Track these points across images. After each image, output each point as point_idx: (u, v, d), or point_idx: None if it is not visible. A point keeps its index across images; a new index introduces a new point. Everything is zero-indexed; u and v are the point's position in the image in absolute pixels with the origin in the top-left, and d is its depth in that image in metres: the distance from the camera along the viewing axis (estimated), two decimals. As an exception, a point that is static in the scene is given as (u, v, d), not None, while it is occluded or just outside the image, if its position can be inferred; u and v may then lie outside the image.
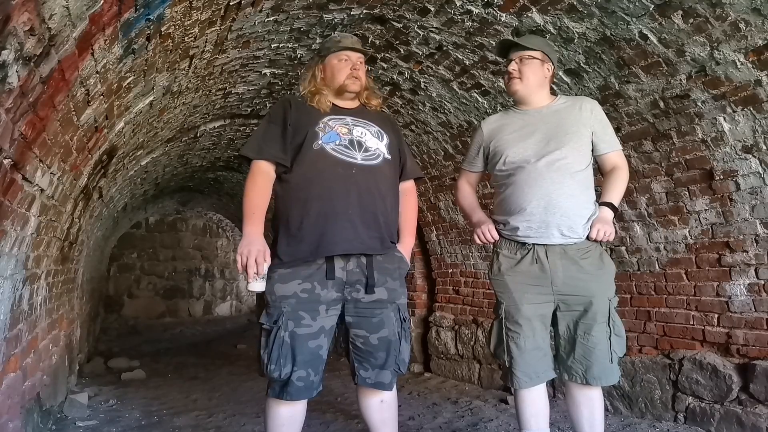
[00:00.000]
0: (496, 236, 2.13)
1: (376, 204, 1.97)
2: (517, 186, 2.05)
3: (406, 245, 2.13)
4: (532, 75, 2.08)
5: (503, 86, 3.19)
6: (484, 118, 2.32)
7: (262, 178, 1.94)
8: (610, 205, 2.05)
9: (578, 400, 2.02)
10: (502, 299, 2.08)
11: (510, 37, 2.09)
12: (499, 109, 3.42)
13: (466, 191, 2.34)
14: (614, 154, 2.11)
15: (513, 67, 2.10)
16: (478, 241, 2.17)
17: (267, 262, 1.84)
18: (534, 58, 2.07)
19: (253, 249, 1.81)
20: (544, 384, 2.05)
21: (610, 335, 1.96)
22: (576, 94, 2.89)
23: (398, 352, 1.96)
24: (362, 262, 1.93)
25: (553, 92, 2.24)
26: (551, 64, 2.12)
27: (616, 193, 2.07)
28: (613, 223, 2.08)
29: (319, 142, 1.95)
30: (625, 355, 3.15)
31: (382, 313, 1.95)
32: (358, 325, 1.94)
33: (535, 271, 2.00)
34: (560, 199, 1.98)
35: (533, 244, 2.02)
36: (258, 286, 1.83)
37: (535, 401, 2.03)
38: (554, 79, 2.87)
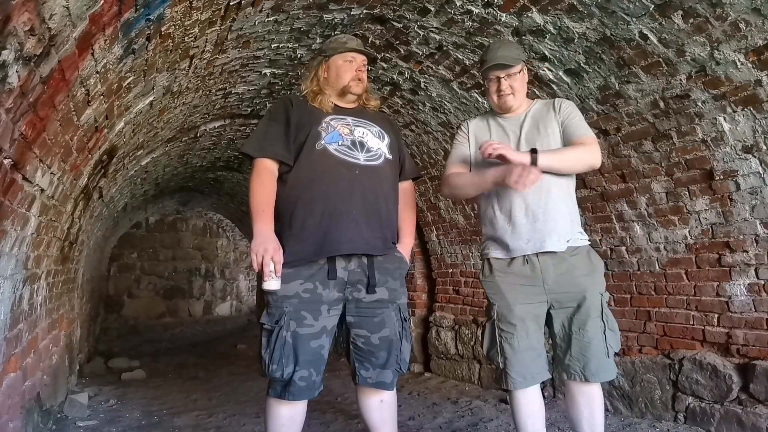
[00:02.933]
0: (536, 176, 1.88)
1: (378, 204, 1.98)
2: (502, 196, 2.05)
3: (406, 245, 2.13)
4: (521, 87, 2.12)
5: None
6: (461, 125, 2.30)
7: (267, 175, 1.94)
8: (534, 151, 1.93)
9: (578, 400, 2.02)
10: (494, 300, 2.08)
11: (501, 62, 2.06)
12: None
13: (459, 175, 2.18)
14: (583, 137, 2.02)
15: (505, 85, 2.07)
16: (521, 188, 1.87)
17: (281, 260, 1.83)
18: (518, 71, 2.09)
19: (269, 247, 1.80)
20: (538, 385, 2.05)
21: (605, 330, 1.97)
22: (576, 94, 2.90)
23: (399, 352, 1.97)
24: (363, 262, 1.93)
25: (529, 96, 2.25)
26: (526, 67, 2.15)
27: (556, 152, 1.97)
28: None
29: (322, 142, 1.95)
30: (625, 355, 3.17)
31: (383, 313, 1.95)
32: (359, 325, 1.94)
33: (527, 272, 2.01)
34: (548, 208, 2.00)
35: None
36: (274, 284, 1.81)
37: (530, 403, 2.02)
38: (554, 78, 2.89)
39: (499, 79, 2.08)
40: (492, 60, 2.07)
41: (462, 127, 2.25)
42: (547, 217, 1.99)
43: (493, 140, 2.09)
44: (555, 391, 3.59)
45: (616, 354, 2.04)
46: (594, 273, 2.02)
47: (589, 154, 2.00)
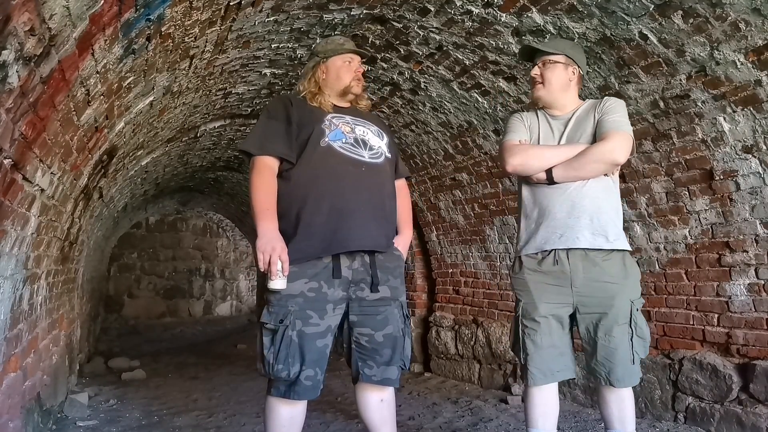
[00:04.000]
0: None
1: (384, 202, 2.00)
2: (543, 193, 2.04)
3: (406, 236, 2.17)
4: (555, 79, 2.05)
5: (503, 86, 3.21)
6: (515, 112, 2.25)
7: (269, 173, 1.93)
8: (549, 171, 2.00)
9: (608, 399, 2.02)
10: (520, 297, 2.07)
11: (533, 43, 2.06)
12: (499, 110, 3.42)
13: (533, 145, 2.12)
14: (607, 132, 1.95)
15: (535, 71, 2.07)
16: None
17: (288, 259, 1.83)
18: (557, 62, 2.04)
19: (277, 246, 1.79)
20: (556, 385, 2.05)
21: (632, 336, 1.94)
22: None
23: (402, 348, 1.98)
24: (366, 261, 1.94)
25: (582, 97, 2.19)
26: (576, 66, 2.07)
27: (572, 161, 1.95)
28: None
29: (326, 139, 1.95)
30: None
31: (386, 310, 1.96)
32: (363, 324, 1.95)
33: (556, 272, 1.99)
34: (584, 201, 1.96)
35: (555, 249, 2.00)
36: (280, 283, 1.80)
37: (545, 401, 2.02)
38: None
39: (535, 66, 2.07)
40: (533, 48, 2.09)
41: (516, 115, 2.19)
42: (581, 212, 1.96)
43: (540, 136, 2.10)
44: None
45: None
46: (626, 279, 1.98)
47: (607, 152, 1.91)
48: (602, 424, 2.14)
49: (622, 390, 1.99)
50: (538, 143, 2.09)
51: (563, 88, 2.06)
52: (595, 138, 1.98)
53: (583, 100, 2.14)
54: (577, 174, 1.96)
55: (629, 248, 2.02)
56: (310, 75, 2.11)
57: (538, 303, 2.01)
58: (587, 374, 2.09)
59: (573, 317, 2.05)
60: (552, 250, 2.00)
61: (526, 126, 2.12)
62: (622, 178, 3.05)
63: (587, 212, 1.96)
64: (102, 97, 2.18)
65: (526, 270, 2.05)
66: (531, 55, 2.14)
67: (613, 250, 1.97)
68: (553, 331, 2.01)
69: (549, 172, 1.98)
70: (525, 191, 2.12)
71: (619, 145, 1.92)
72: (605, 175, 1.99)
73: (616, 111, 1.99)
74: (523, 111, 2.22)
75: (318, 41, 2.30)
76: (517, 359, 2.11)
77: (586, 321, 2.01)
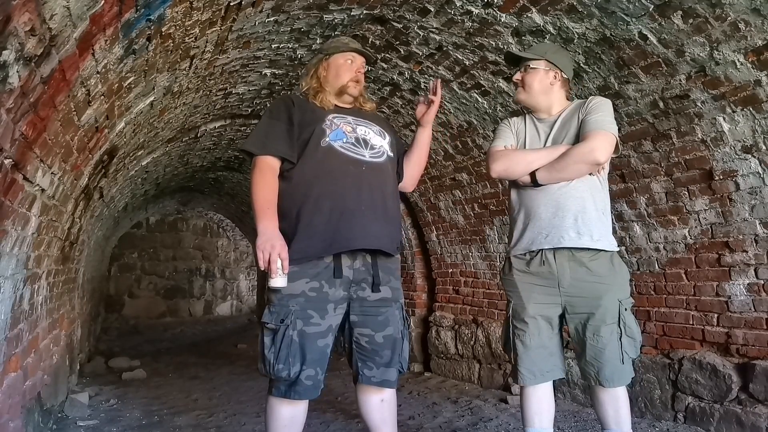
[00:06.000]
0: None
1: (386, 201, 2.00)
2: (528, 195, 2.07)
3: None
4: (536, 83, 2.09)
5: (503, 86, 3.21)
6: (504, 119, 2.30)
7: (270, 173, 1.93)
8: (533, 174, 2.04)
9: (603, 398, 2.02)
10: (510, 298, 2.10)
11: (512, 50, 2.10)
12: (499, 110, 3.42)
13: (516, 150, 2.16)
14: (589, 133, 1.94)
15: (517, 77, 2.13)
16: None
17: (288, 257, 1.83)
18: (536, 67, 2.08)
19: (276, 244, 1.80)
20: (550, 383, 2.07)
21: (621, 336, 1.95)
22: (576, 95, 2.90)
23: (401, 350, 1.99)
24: (368, 261, 1.95)
25: (571, 98, 2.21)
26: (558, 70, 2.09)
27: (554, 163, 1.97)
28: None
29: (327, 139, 1.95)
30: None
31: (387, 312, 1.96)
32: (364, 324, 1.95)
33: (544, 272, 2.00)
34: (568, 201, 1.98)
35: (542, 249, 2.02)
36: (280, 282, 1.80)
37: (540, 400, 2.04)
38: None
39: (517, 71, 2.14)
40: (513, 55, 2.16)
41: (505, 121, 2.25)
42: (566, 212, 1.97)
43: (527, 139, 2.13)
44: (554, 390, 3.59)
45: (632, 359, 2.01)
46: (614, 279, 1.98)
47: (587, 152, 1.91)
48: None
49: (617, 389, 1.99)
50: (525, 147, 2.11)
51: (544, 92, 2.10)
52: (579, 138, 1.99)
53: (572, 101, 2.16)
54: (560, 175, 1.98)
55: (616, 249, 2.02)
56: (313, 71, 2.12)
57: (526, 303, 2.03)
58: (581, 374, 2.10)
59: (563, 317, 2.06)
60: (539, 250, 2.01)
61: (513, 132, 2.17)
62: (622, 178, 3.06)
63: (572, 212, 1.98)
64: (102, 97, 2.18)
65: (515, 271, 2.07)
66: (517, 61, 2.18)
67: (599, 250, 1.97)
68: (542, 332, 2.03)
69: (533, 175, 2.01)
70: (513, 194, 2.15)
71: (600, 145, 1.92)
72: (591, 174, 2.00)
73: (599, 110, 1.99)
74: (513, 117, 2.27)
75: (323, 42, 2.31)
76: (509, 359, 2.12)
77: (574, 321, 2.02)
